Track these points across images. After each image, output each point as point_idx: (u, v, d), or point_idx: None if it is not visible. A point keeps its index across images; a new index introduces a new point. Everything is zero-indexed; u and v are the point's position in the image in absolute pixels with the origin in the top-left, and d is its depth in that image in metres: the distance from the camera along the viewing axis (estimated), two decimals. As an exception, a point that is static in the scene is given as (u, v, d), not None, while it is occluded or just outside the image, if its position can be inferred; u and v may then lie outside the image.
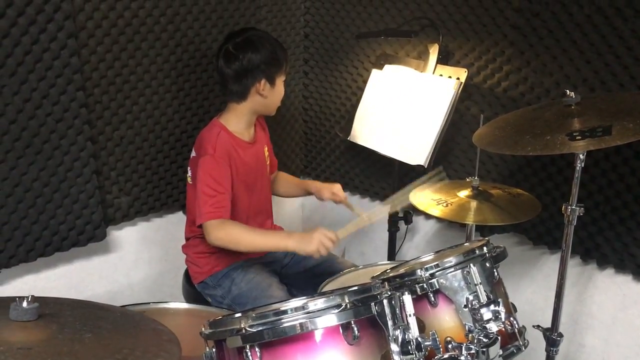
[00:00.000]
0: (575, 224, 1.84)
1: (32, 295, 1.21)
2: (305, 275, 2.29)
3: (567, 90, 1.75)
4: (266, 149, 2.30)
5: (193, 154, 2.15)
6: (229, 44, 2.09)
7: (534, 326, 1.97)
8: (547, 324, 1.97)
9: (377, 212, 2.05)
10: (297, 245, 1.95)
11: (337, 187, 2.34)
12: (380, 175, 2.80)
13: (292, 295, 2.25)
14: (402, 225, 2.66)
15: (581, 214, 1.83)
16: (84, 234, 2.23)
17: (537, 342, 1.94)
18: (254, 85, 2.07)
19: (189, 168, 2.16)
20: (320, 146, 3.02)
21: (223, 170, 2.05)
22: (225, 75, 2.09)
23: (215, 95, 2.51)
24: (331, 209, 2.33)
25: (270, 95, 2.11)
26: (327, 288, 1.94)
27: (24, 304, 1.18)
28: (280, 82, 2.13)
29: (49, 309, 1.28)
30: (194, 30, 2.40)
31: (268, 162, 2.31)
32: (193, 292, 2.23)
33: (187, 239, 2.26)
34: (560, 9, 2.04)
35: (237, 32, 2.16)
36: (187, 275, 2.28)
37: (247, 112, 2.14)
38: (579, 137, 1.60)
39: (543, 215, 2.19)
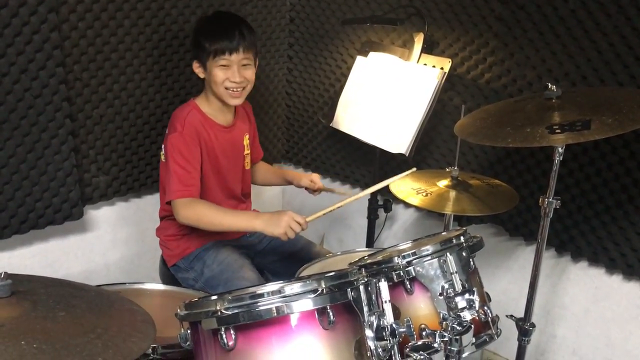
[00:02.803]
0: (551, 216, 1.86)
1: (5, 272, 1.20)
2: (282, 264, 2.28)
3: (549, 84, 1.76)
4: (247, 137, 2.25)
5: (167, 131, 2.12)
6: None
7: (507, 316, 2.00)
8: (520, 314, 2.00)
9: (348, 199, 2.04)
10: (264, 226, 1.92)
11: (316, 176, 2.33)
12: (361, 163, 2.81)
13: (268, 281, 2.24)
14: (381, 213, 2.67)
15: (557, 207, 1.85)
16: (60, 212, 2.20)
17: (509, 332, 1.97)
18: (193, 64, 2.09)
19: (162, 146, 2.13)
20: (303, 131, 3.01)
21: (192, 147, 2.03)
22: None
23: (198, 77, 2.48)
24: (311, 194, 2.33)
25: (207, 79, 2.07)
26: (305, 273, 1.94)
27: (-3, 280, 1.16)
28: (212, 67, 2.02)
29: (22, 287, 1.26)
30: (177, 9, 2.37)
31: (247, 152, 2.27)
32: (169, 273, 2.22)
33: (160, 219, 2.24)
34: (545, 2, 2.05)
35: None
36: (163, 257, 2.27)
37: (210, 93, 2.11)
38: (559, 131, 1.62)
39: (520, 207, 2.21)
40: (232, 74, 2.02)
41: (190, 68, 2.44)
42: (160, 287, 1.99)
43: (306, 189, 2.33)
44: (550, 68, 2.11)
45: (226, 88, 2.04)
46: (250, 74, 2.07)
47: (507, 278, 2.48)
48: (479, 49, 2.28)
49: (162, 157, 2.11)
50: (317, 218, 1.97)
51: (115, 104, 2.29)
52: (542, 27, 2.09)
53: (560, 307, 2.36)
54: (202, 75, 2.09)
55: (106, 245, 2.53)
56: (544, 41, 2.10)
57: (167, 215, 2.18)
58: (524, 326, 1.98)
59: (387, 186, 2.13)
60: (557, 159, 1.79)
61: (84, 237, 2.43)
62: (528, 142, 1.65)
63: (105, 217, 2.48)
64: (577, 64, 2.04)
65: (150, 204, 2.56)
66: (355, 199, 2.02)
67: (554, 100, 1.75)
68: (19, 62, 1.95)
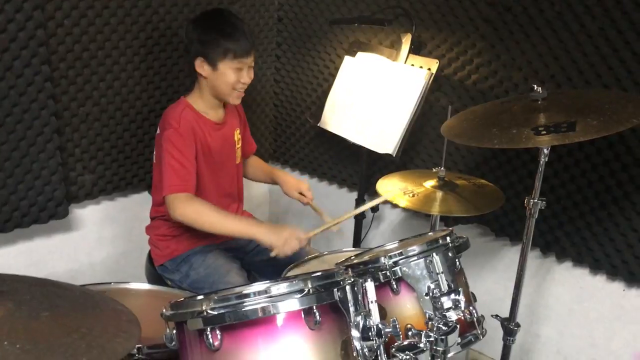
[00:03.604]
0: (536, 217, 1.88)
1: (-12, 272, 1.19)
2: (270, 264, 2.27)
3: (535, 85, 1.77)
4: (237, 132, 2.25)
5: (158, 131, 2.10)
6: None
7: (492, 316, 2.01)
8: (505, 313, 2.01)
9: (343, 217, 2.10)
10: (264, 236, 1.93)
11: (305, 187, 2.32)
12: (348, 162, 2.81)
13: (255, 281, 2.23)
14: (368, 213, 2.67)
15: (543, 208, 1.87)
16: (45, 211, 2.18)
17: (495, 331, 1.98)
18: (194, 60, 2.03)
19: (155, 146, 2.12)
20: (290, 131, 3.01)
21: (188, 143, 2.01)
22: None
23: (185, 75, 2.48)
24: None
25: (212, 77, 2.04)
26: (292, 273, 1.94)
27: (-20, 280, 1.15)
28: (226, 67, 2.00)
29: (5, 286, 1.25)
30: (165, 7, 2.36)
31: (238, 146, 2.26)
32: (155, 273, 2.21)
33: (151, 219, 2.23)
34: (532, 4, 2.07)
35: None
36: (150, 257, 2.25)
37: (205, 91, 2.09)
38: (544, 132, 1.63)
39: (506, 207, 2.23)
40: (243, 76, 2.04)
41: (177, 66, 2.45)
42: (146, 286, 1.97)
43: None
44: (536, 70, 2.12)
45: (233, 89, 2.05)
46: (252, 74, 2.10)
47: (492, 278, 2.49)
48: (466, 50, 2.29)
49: (154, 159, 2.09)
50: (315, 235, 2.04)
51: (102, 102, 2.28)
52: (529, 29, 2.10)
53: (545, 307, 2.38)
54: (204, 73, 2.04)
55: (91, 244, 2.51)
56: (531, 43, 2.11)
57: (158, 216, 2.16)
58: (509, 326, 2.00)
59: (375, 190, 2.14)
60: (543, 160, 1.80)
61: (69, 236, 2.42)
62: (514, 144, 1.67)
63: (91, 216, 2.46)
64: (563, 66, 2.06)
65: (137, 203, 2.54)
66: (352, 216, 2.11)
67: (539, 102, 1.76)
68: (3, 59, 1.94)
